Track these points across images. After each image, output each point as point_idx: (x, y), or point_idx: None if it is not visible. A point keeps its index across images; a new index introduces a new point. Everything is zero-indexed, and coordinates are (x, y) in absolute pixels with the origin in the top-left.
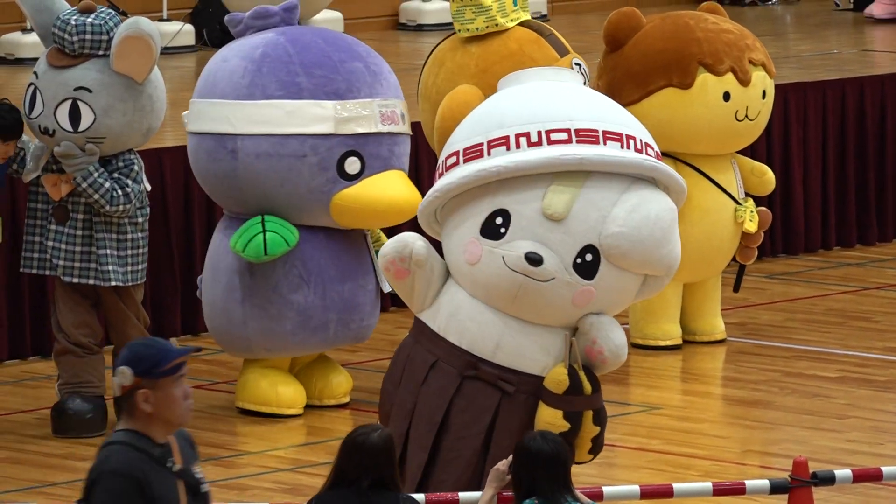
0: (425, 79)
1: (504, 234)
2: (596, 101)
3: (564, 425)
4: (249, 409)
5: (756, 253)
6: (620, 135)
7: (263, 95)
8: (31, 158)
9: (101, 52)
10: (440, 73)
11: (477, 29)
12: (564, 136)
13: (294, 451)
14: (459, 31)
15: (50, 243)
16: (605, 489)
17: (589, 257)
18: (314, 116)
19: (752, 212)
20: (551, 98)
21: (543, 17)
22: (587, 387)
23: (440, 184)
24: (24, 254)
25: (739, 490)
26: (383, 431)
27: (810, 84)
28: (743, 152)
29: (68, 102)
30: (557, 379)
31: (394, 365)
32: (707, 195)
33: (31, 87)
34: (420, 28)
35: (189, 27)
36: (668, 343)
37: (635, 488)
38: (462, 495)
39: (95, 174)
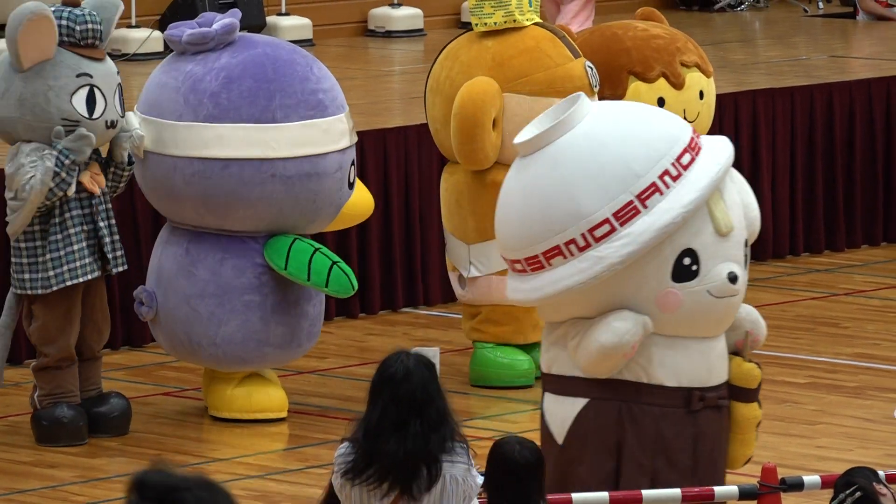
0: (437, 73)
1: (697, 270)
2: (659, 112)
3: (759, 415)
4: (235, 418)
5: None
6: (697, 132)
7: (299, 117)
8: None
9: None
10: (454, 66)
11: (495, 24)
12: (690, 155)
13: (264, 458)
14: (477, 25)
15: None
16: (574, 496)
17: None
18: (340, 131)
19: None
20: (648, 126)
21: None
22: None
23: (598, 266)
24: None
25: (708, 496)
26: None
27: (779, 90)
28: None
29: None
30: (752, 374)
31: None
32: None
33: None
34: (389, 35)
35: (157, 34)
36: None
37: (604, 495)
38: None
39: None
